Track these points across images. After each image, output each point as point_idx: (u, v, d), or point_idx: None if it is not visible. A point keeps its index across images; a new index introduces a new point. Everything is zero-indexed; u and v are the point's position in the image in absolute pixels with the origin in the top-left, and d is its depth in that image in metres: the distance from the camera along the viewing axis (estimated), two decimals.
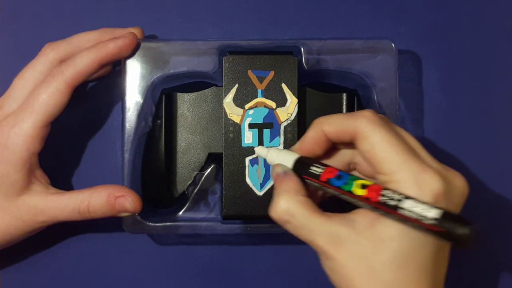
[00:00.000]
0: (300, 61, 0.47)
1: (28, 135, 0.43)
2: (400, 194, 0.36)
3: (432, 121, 0.52)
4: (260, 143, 0.46)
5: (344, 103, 0.48)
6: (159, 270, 0.51)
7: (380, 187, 0.36)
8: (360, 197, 0.37)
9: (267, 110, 0.46)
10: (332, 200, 0.41)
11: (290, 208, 0.39)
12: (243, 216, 0.46)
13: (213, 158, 0.49)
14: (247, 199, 0.46)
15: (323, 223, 0.38)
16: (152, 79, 0.47)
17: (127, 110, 0.47)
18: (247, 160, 0.46)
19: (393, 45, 0.47)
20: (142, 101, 0.47)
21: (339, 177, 0.38)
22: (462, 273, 0.51)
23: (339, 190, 0.38)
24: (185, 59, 0.47)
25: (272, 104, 0.46)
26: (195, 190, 0.49)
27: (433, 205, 0.35)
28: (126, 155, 0.47)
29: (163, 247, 0.52)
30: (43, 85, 0.44)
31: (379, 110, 0.47)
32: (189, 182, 0.49)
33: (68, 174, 0.51)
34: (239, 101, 0.46)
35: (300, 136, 0.43)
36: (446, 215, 0.34)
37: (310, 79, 0.48)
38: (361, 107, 0.48)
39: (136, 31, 0.47)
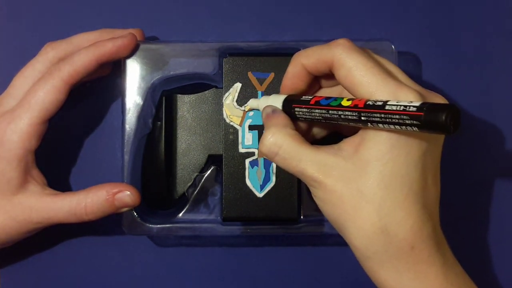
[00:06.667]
0: None
1: (24, 132, 0.43)
2: (383, 100, 0.35)
3: None
4: None
5: None
6: (159, 272, 0.51)
7: (365, 99, 0.36)
8: (348, 108, 0.37)
9: None
10: (323, 140, 0.42)
11: (278, 140, 0.39)
12: (243, 217, 0.46)
13: (213, 159, 0.49)
14: (247, 201, 0.46)
15: (311, 153, 0.38)
16: (152, 81, 0.47)
17: (127, 111, 0.47)
18: (247, 161, 0.46)
19: (392, 46, 0.47)
20: (142, 103, 0.47)
21: (327, 98, 0.39)
22: None
23: (328, 107, 0.38)
24: (185, 60, 0.47)
25: None
26: (195, 192, 0.49)
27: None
28: (126, 157, 0.47)
29: (163, 249, 0.52)
30: (40, 82, 0.44)
31: None
32: (189, 184, 0.49)
33: (67, 175, 0.51)
34: (239, 103, 0.46)
35: None
36: (427, 103, 0.33)
37: None
38: None
39: (137, 32, 0.47)
